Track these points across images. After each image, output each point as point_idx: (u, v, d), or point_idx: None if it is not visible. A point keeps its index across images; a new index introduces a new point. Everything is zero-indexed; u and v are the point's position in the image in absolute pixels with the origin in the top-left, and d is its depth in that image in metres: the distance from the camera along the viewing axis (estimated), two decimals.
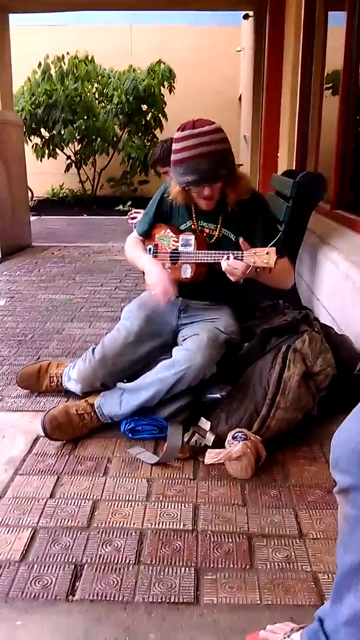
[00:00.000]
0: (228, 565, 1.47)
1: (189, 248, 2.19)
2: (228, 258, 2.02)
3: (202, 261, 2.17)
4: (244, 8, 8.72)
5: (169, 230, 2.27)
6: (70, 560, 1.49)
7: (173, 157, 2.08)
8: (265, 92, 5.94)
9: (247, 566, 1.47)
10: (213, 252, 2.14)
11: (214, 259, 2.12)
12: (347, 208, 3.50)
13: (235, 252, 2.03)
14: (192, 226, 2.24)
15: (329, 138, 3.90)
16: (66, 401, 2.30)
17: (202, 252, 2.17)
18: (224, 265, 2.02)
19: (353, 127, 3.55)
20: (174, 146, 2.07)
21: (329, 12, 4.30)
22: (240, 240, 2.04)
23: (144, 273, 2.31)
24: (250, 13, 8.59)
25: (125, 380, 2.20)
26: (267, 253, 1.96)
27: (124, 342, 2.20)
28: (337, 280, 2.72)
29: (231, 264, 2.00)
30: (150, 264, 2.26)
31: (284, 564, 1.47)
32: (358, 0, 3.31)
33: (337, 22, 3.83)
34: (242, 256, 2.01)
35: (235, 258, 2.02)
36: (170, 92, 10.54)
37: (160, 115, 10.68)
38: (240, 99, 11.06)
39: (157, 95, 10.50)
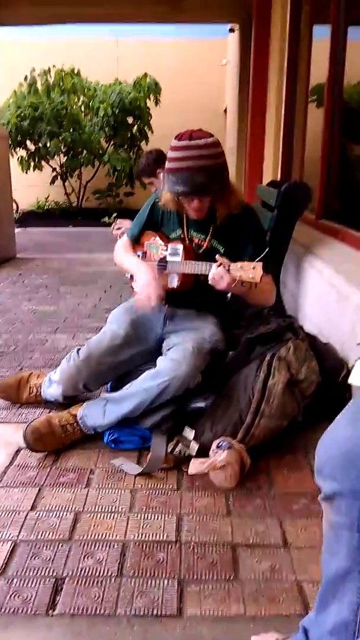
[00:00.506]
0: (212, 576, 1.45)
1: (177, 257, 2.18)
2: (218, 266, 2.00)
3: (189, 271, 2.16)
4: (229, 21, 8.83)
5: (158, 239, 2.27)
6: (50, 574, 1.46)
7: (167, 164, 2.07)
8: (251, 104, 5.98)
9: (232, 577, 1.44)
10: (200, 262, 2.13)
11: (201, 270, 2.11)
12: (332, 218, 3.51)
13: (222, 263, 2.02)
14: (182, 235, 2.24)
15: (314, 149, 3.93)
16: (49, 412, 2.27)
17: (190, 262, 2.16)
18: (210, 275, 2.01)
19: (338, 139, 3.58)
20: (170, 154, 2.06)
21: (314, 25, 4.35)
22: (217, 256, 2.03)
23: (131, 277, 2.30)
24: (236, 26, 8.70)
25: (107, 390, 2.17)
26: (254, 268, 1.94)
27: (109, 344, 2.19)
28: (321, 289, 2.72)
29: (218, 274, 1.99)
30: (140, 266, 2.25)
31: (268, 573, 1.45)
32: (343, 14, 3.35)
33: (321, 35, 3.87)
34: (228, 268, 1.99)
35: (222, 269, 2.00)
36: (156, 105, 10.59)
37: (146, 127, 10.72)
38: (225, 111, 11.14)
39: (143, 108, 10.54)
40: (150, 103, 10.63)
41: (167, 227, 2.28)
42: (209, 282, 2.02)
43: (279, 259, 3.21)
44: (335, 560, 1.06)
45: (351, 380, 1.10)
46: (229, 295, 2.06)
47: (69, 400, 2.26)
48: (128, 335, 2.21)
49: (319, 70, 3.89)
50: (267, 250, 2.13)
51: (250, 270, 1.93)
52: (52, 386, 2.28)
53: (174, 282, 2.21)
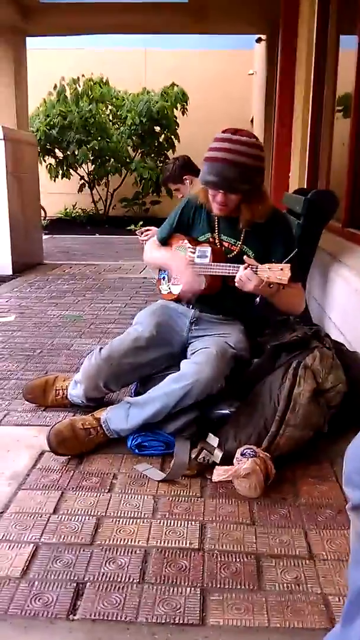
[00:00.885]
0: (235, 585, 1.42)
1: (205, 260, 2.18)
2: (245, 268, 1.99)
3: (216, 273, 2.15)
4: (256, 32, 8.85)
5: (186, 241, 2.28)
6: (72, 577, 1.44)
7: (206, 153, 2.09)
8: (277, 114, 5.97)
9: (255, 587, 1.41)
10: (228, 265, 2.12)
11: (228, 272, 2.10)
12: (358, 226, 3.47)
13: (249, 264, 2.01)
14: (210, 239, 2.24)
15: (340, 159, 3.90)
16: (72, 416, 2.27)
17: (217, 264, 2.15)
18: (237, 277, 2.00)
19: None
20: (212, 143, 2.08)
21: (341, 36, 4.33)
22: (245, 257, 2.02)
23: (159, 280, 2.30)
24: (263, 37, 8.71)
25: (132, 394, 2.17)
26: (282, 269, 1.93)
27: (131, 345, 2.18)
28: (348, 297, 2.68)
29: (245, 275, 1.97)
30: (172, 255, 2.27)
31: (293, 585, 1.42)
32: None
33: (348, 46, 3.85)
34: (256, 270, 1.98)
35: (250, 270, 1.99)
36: (183, 114, 10.65)
37: (172, 137, 10.79)
38: (252, 121, 11.15)
39: (170, 117, 10.62)
40: (177, 112, 10.70)
41: (196, 230, 2.29)
42: (236, 284, 2.00)
43: (306, 267, 3.18)
44: None
45: None
46: (258, 299, 2.04)
47: (92, 402, 2.26)
48: (152, 337, 2.20)
49: (345, 81, 3.87)
50: (295, 250, 2.11)
51: (278, 272, 1.91)
52: (76, 387, 2.28)
53: (202, 285, 2.20)
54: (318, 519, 1.69)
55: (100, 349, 2.23)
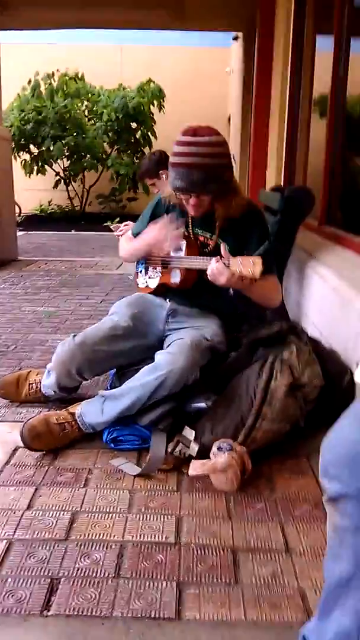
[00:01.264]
0: (211, 579, 1.41)
1: (180, 253, 2.17)
2: (217, 261, 1.98)
3: (190, 266, 2.14)
4: (233, 29, 8.86)
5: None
6: (46, 573, 1.42)
7: (170, 158, 2.08)
8: (254, 112, 5.99)
9: (232, 581, 1.41)
10: (201, 257, 2.11)
11: (200, 265, 2.09)
12: (334, 224, 3.49)
13: (221, 258, 2.00)
14: (185, 233, 2.22)
15: (316, 159, 3.92)
16: (47, 411, 2.24)
17: (191, 257, 2.14)
18: (209, 270, 1.99)
19: (340, 148, 3.58)
20: (173, 147, 2.06)
21: (317, 36, 4.36)
22: (222, 247, 2.01)
23: (136, 274, 2.26)
24: (240, 34, 8.72)
25: (107, 388, 2.15)
26: (253, 263, 1.92)
27: (107, 333, 2.16)
28: (325, 295, 2.69)
29: (217, 268, 1.97)
30: (146, 231, 2.25)
31: (269, 579, 1.42)
32: (345, 26, 3.35)
33: (325, 46, 3.88)
34: (228, 264, 1.97)
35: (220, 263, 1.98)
36: (160, 111, 10.62)
37: (149, 133, 10.75)
38: (229, 119, 11.17)
39: (147, 113, 10.57)
40: (154, 109, 10.66)
41: None
42: (208, 275, 2.00)
43: (282, 265, 3.18)
44: (339, 565, 1.03)
45: (357, 377, 1.07)
46: (231, 291, 2.03)
47: (65, 392, 2.23)
48: (128, 327, 2.19)
49: (322, 80, 3.89)
50: (267, 245, 2.10)
51: (250, 265, 1.90)
52: (49, 377, 2.25)
53: (177, 278, 2.20)
54: (295, 513, 1.69)
55: (74, 335, 2.20)
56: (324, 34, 4.02)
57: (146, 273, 2.39)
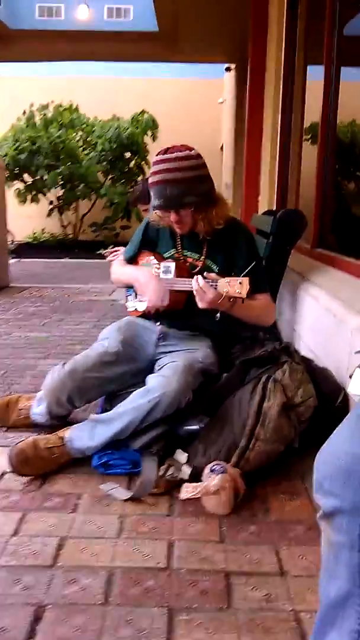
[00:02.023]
0: (203, 605, 1.36)
1: (169, 275, 2.16)
2: (199, 280, 1.97)
3: (179, 288, 2.13)
4: (225, 61, 9.05)
5: (152, 258, 2.27)
6: (31, 601, 1.36)
7: (149, 180, 2.11)
8: (246, 141, 6.07)
9: (225, 606, 1.35)
10: (188, 280, 2.10)
11: (189, 287, 2.08)
12: (326, 247, 3.51)
13: (209, 279, 1.98)
14: (176, 254, 2.23)
15: (308, 183, 3.96)
16: (37, 435, 2.19)
17: (180, 279, 2.13)
18: (194, 288, 1.97)
19: (332, 174, 3.62)
20: (151, 169, 2.10)
21: (308, 66, 4.44)
22: (205, 273, 2.00)
23: (126, 298, 2.26)
24: (232, 66, 8.91)
25: (98, 412, 2.11)
26: (240, 283, 1.90)
27: (96, 359, 2.13)
28: (317, 315, 2.68)
29: (201, 287, 1.94)
30: (138, 270, 2.26)
31: (263, 603, 1.36)
32: (335, 56, 3.42)
33: (316, 75, 3.95)
34: (215, 284, 1.95)
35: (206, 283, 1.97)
36: (153, 141, 10.76)
37: (143, 162, 10.87)
38: (222, 148, 11.32)
39: (140, 143, 10.72)
40: (147, 139, 10.80)
41: (161, 246, 2.28)
42: (196, 297, 1.98)
43: (275, 286, 3.18)
44: (334, 583, 0.99)
45: (350, 389, 1.04)
46: (218, 315, 2.00)
47: (57, 420, 2.19)
48: (118, 352, 2.16)
49: (313, 109, 3.95)
50: (254, 264, 2.09)
51: (237, 285, 1.88)
52: (39, 405, 2.21)
53: (166, 299, 2.18)
54: (289, 535, 1.64)
55: (64, 363, 2.17)
56: (315, 64, 4.10)
57: (136, 297, 2.37)
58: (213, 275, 1.97)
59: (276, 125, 4.95)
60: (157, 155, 2.09)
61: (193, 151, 2.09)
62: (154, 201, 2.09)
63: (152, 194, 2.09)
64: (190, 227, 2.15)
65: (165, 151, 2.07)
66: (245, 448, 1.88)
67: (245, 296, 1.89)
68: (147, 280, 2.19)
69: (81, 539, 1.61)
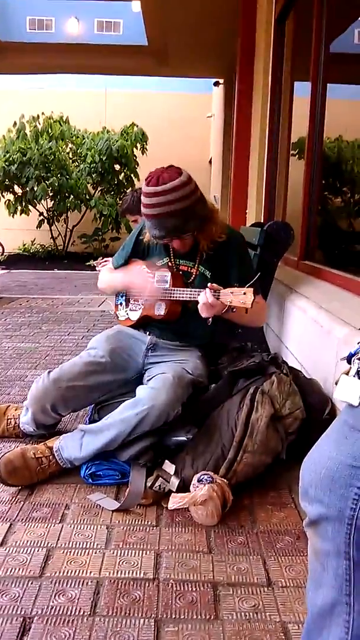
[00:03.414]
0: (191, 616, 1.36)
1: (165, 285, 2.16)
2: (208, 296, 1.97)
3: (177, 298, 2.13)
4: (214, 76, 9.15)
5: (144, 267, 2.25)
6: (18, 612, 1.36)
7: (142, 209, 2.06)
8: (234, 155, 6.12)
9: (212, 617, 1.36)
10: (189, 289, 2.11)
11: (190, 297, 2.08)
12: (313, 260, 3.54)
13: (212, 290, 1.98)
14: (169, 263, 2.23)
15: (295, 197, 4.01)
16: (25, 445, 2.19)
17: (178, 289, 2.13)
18: (201, 302, 1.98)
19: (318, 186, 3.67)
20: (142, 199, 2.05)
21: (295, 82, 4.51)
22: (209, 285, 2.01)
23: (116, 307, 2.27)
24: (221, 80, 9.01)
25: (86, 422, 2.10)
26: (245, 293, 1.91)
27: (83, 368, 2.12)
28: (305, 326, 2.70)
29: (209, 302, 1.95)
30: (131, 273, 2.25)
31: (251, 614, 1.37)
32: (321, 73, 3.48)
33: (303, 93, 4.01)
34: (218, 295, 1.97)
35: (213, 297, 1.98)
36: (143, 154, 10.82)
37: (132, 175, 10.92)
38: (210, 161, 11.41)
39: (130, 155, 10.77)
40: (137, 152, 10.86)
41: (153, 255, 2.27)
42: (199, 309, 1.99)
43: (263, 298, 3.21)
44: (321, 592, 0.99)
45: (336, 394, 1.06)
46: (210, 319, 2.01)
47: (43, 429, 2.18)
48: (106, 361, 2.15)
49: (300, 124, 4.01)
50: (258, 274, 2.11)
51: (242, 296, 1.90)
52: (26, 414, 2.20)
53: (161, 310, 2.18)
54: (276, 546, 1.65)
55: (49, 371, 2.15)
56: (302, 80, 4.16)
57: (127, 305, 2.37)
58: (215, 285, 1.98)
59: (264, 140, 5.01)
60: (147, 185, 2.02)
61: (183, 175, 2.02)
62: (154, 231, 2.07)
63: (149, 224, 2.06)
64: (190, 246, 2.17)
65: (157, 182, 1.99)
66: (233, 460, 1.89)
67: (250, 306, 1.90)
68: (143, 282, 2.18)
69: (69, 549, 1.61)
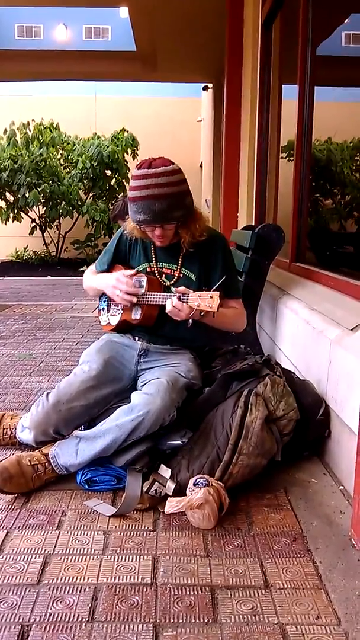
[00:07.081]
0: (189, 619, 1.36)
1: (141, 290, 2.17)
2: (174, 300, 1.99)
3: (150, 302, 2.14)
4: (203, 80, 9.18)
5: (124, 271, 2.25)
6: (16, 620, 1.36)
7: (129, 193, 2.09)
8: (224, 158, 6.15)
9: (210, 620, 1.36)
10: (162, 294, 2.12)
11: (161, 301, 2.09)
12: (304, 262, 3.56)
13: (180, 294, 2.00)
14: (148, 269, 2.24)
15: (285, 199, 4.03)
16: (20, 452, 2.18)
17: (151, 293, 2.15)
18: (168, 306, 2.00)
19: (308, 188, 3.69)
20: (131, 182, 2.08)
21: (283, 85, 4.54)
22: (174, 289, 2.02)
23: (99, 312, 2.29)
24: (210, 85, 9.04)
25: (82, 428, 2.10)
26: (211, 297, 1.93)
27: (80, 387, 2.07)
28: (297, 327, 2.72)
29: (175, 306, 1.98)
30: (110, 277, 2.25)
31: (249, 616, 1.37)
32: (308, 76, 3.51)
33: (291, 95, 4.04)
34: (187, 299, 1.99)
35: (179, 300, 1.99)
36: (133, 159, 10.84)
37: (123, 180, 10.94)
38: (201, 165, 11.45)
39: (121, 161, 10.78)
40: (128, 157, 10.88)
41: (134, 260, 2.29)
42: (167, 312, 2.01)
43: (255, 301, 3.22)
44: None
45: None
46: (190, 321, 2.02)
47: (43, 445, 2.15)
48: (100, 375, 2.11)
49: (289, 126, 4.03)
50: (224, 278, 2.10)
51: (208, 300, 1.92)
52: (24, 431, 2.17)
53: (137, 314, 2.19)
54: (273, 548, 1.65)
55: (47, 394, 2.09)
56: (290, 83, 4.19)
57: (108, 310, 2.37)
58: (182, 288, 2.00)
59: (253, 143, 5.03)
60: (138, 169, 2.05)
61: (175, 165, 2.08)
62: (138, 215, 2.06)
63: (134, 208, 2.06)
64: (170, 240, 2.17)
65: (149, 165, 2.03)
66: (228, 462, 1.89)
67: (216, 310, 1.91)
68: (114, 279, 2.19)
69: (66, 556, 1.61)
